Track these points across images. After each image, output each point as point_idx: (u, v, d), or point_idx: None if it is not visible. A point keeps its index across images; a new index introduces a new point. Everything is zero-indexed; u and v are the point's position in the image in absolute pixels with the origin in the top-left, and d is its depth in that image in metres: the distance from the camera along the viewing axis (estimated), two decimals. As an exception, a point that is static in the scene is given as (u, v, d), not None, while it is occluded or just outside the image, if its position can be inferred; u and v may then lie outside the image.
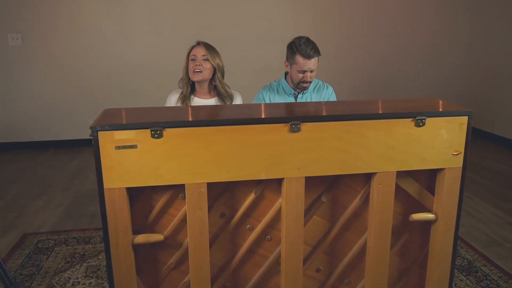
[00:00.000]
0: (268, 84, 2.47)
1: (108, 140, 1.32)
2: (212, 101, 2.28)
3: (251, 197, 1.52)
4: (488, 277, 2.20)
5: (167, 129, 1.34)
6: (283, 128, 1.40)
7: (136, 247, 1.50)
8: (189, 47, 2.25)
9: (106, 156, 1.33)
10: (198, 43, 2.23)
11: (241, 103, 2.34)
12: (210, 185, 1.47)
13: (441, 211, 1.58)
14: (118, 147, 1.33)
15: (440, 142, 1.50)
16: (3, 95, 4.58)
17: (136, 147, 1.34)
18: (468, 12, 5.10)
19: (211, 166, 1.40)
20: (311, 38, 2.33)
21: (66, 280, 2.21)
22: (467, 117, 1.50)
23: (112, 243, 1.41)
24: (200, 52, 2.19)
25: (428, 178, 1.62)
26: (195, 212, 1.42)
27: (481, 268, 2.28)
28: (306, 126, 1.41)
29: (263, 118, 1.43)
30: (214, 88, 2.27)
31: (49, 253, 2.48)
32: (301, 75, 2.30)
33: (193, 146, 1.37)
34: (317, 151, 1.44)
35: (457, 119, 1.49)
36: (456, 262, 2.31)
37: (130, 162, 1.35)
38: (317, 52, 2.30)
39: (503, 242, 2.57)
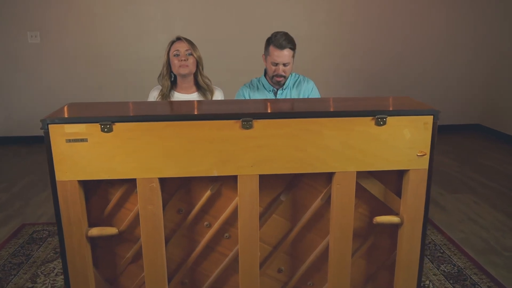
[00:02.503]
0: (249, 81, 2.45)
1: (58, 133, 1.34)
2: (194, 96, 2.28)
3: (207, 194, 1.50)
4: (476, 286, 2.10)
5: (117, 124, 1.35)
6: (234, 124, 1.38)
7: (95, 241, 1.52)
8: (169, 43, 2.25)
9: (57, 149, 1.35)
10: (179, 38, 2.23)
11: (222, 98, 2.33)
12: (165, 180, 1.47)
13: (406, 215, 1.51)
14: (69, 140, 1.35)
15: (403, 142, 1.44)
16: (22, 90, 4.76)
17: (87, 141, 1.36)
18: (480, 10, 4.88)
19: (162, 162, 1.39)
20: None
21: (51, 270, 2.27)
22: (432, 116, 1.43)
23: (66, 235, 1.43)
24: (183, 47, 2.19)
25: (397, 180, 1.56)
26: (147, 207, 1.43)
27: (471, 276, 2.18)
28: (259, 123, 1.38)
29: (214, 114, 1.41)
30: (196, 82, 2.27)
31: (41, 243, 2.56)
32: (274, 68, 2.27)
33: (143, 141, 1.37)
34: (271, 149, 1.41)
35: (421, 118, 1.43)
36: (445, 269, 2.23)
37: (80, 155, 1.36)
38: (290, 43, 2.25)
39: (502, 251, 2.44)
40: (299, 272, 1.61)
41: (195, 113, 1.44)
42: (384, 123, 1.41)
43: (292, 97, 2.37)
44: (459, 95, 5.13)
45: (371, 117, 1.41)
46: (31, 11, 4.58)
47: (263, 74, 2.43)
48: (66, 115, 1.39)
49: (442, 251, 2.43)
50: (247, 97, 2.38)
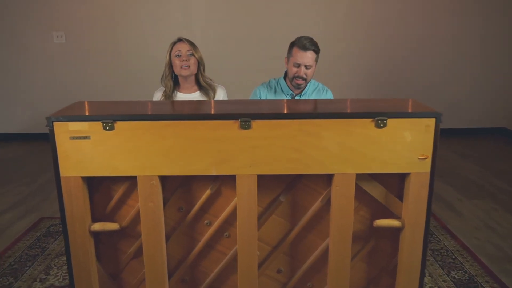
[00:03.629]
0: (267, 81, 2.45)
1: (62, 131, 1.39)
2: (196, 95, 2.31)
3: (207, 193, 1.52)
4: (486, 294, 2.04)
5: (118, 122, 1.39)
6: (233, 124, 1.39)
7: (99, 236, 1.57)
8: (170, 44, 2.29)
9: (61, 145, 1.40)
10: (180, 39, 2.27)
11: (225, 96, 2.35)
12: (166, 178, 1.50)
13: (408, 219, 1.49)
14: (73, 138, 1.40)
15: (404, 145, 1.42)
16: (48, 88, 4.91)
17: (90, 138, 1.40)
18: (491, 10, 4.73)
19: (162, 160, 1.42)
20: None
21: (64, 263, 2.34)
22: (434, 119, 1.40)
23: (70, 229, 1.48)
24: (184, 47, 2.23)
25: (399, 183, 1.53)
26: (147, 204, 1.46)
27: (482, 284, 2.12)
28: (257, 123, 1.39)
29: (212, 114, 1.43)
30: (197, 81, 2.29)
31: (56, 236, 2.64)
32: (295, 70, 2.27)
33: (144, 139, 1.40)
34: (269, 149, 1.41)
35: (422, 121, 1.40)
36: (455, 276, 2.18)
37: (84, 152, 1.41)
38: (314, 46, 2.25)
39: (518, 259, 2.37)
40: (299, 273, 1.61)
41: (195, 113, 1.46)
42: (384, 125, 1.40)
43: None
44: (484, 98, 4.99)
45: (370, 119, 1.39)
46: (57, 12, 4.73)
47: (282, 76, 2.43)
48: (72, 113, 1.43)
49: (454, 257, 2.37)
50: (263, 98, 2.38)
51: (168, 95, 2.29)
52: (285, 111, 1.47)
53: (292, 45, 2.31)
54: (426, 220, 1.49)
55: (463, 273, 2.22)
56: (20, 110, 5.00)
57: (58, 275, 2.23)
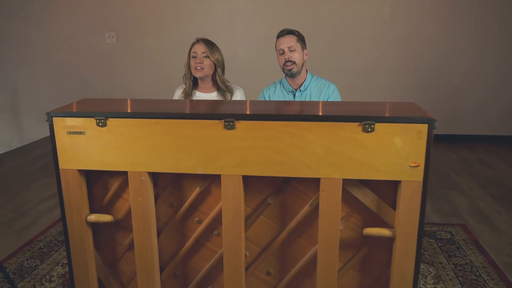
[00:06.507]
0: (273, 83, 2.47)
1: (61, 126, 1.48)
2: (214, 95, 2.34)
3: (196, 190, 1.55)
4: None
5: (110, 119, 1.45)
6: (218, 124, 1.40)
7: (97, 226, 1.65)
8: (190, 44, 2.34)
9: (60, 139, 1.49)
10: (198, 40, 2.31)
11: (242, 97, 2.36)
12: (158, 175, 1.55)
13: (399, 228, 1.42)
14: (70, 132, 1.48)
15: (394, 151, 1.35)
16: (101, 87, 5.21)
17: (84, 134, 1.48)
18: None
19: (151, 157, 1.46)
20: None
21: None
22: (427, 125, 1.32)
23: (68, 219, 1.57)
24: (200, 49, 2.26)
25: (393, 191, 1.46)
26: (137, 199, 1.51)
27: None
28: (241, 124, 1.39)
29: (198, 113, 1.45)
30: (215, 82, 2.33)
31: (85, 225, 2.81)
32: (282, 58, 2.30)
33: (134, 136, 1.45)
34: (254, 151, 1.41)
35: (414, 126, 1.33)
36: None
37: (79, 146, 1.49)
38: (292, 32, 2.32)
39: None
40: (288, 277, 1.59)
41: (181, 112, 1.49)
42: (372, 129, 1.34)
43: (312, 100, 2.32)
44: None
45: (357, 123, 1.34)
46: (109, 12, 5.00)
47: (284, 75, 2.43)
48: (74, 109, 1.52)
49: (478, 274, 2.21)
50: (267, 99, 2.39)
51: (187, 93, 2.36)
52: (271, 113, 1.46)
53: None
54: (419, 231, 1.41)
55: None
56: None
57: (78, 262, 2.37)
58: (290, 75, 2.33)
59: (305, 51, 2.37)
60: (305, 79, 2.38)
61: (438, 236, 2.63)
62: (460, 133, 4.84)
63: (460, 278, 2.18)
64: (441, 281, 2.16)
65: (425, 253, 2.44)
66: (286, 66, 2.30)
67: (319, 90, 2.34)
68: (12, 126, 5.44)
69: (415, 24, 4.59)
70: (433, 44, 4.63)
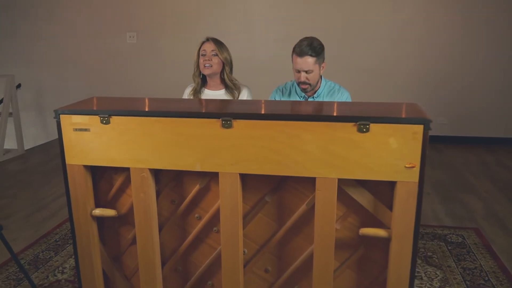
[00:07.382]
0: (284, 84, 2.45)
1: (67, 123, 1.54)
2: (222, 93, 2.38)
3: (196, 187, 1.59)
4: None
5: (113, 117, 1.50)
6: (215, 123, 1.44)
7: (103, 220, 1.71)
8: (199, 43, 2.37)
9: (66, 136, 1.55)
10: (207, 39, 2.34)
11: (249, 96, 2.39)
12: (160, 171, 1.59)
13: (395, 229, 1.42)
14: (76, 129, 1.54)
15: (389, 152, 1.35)
16: (122, 86, 5.34)
17: (89, 130, 1.53)
18: None
19: (151, 154, 1.51)
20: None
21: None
22: (422, 126, 1.32)
23: (74, 213, 1.63)
24: (209, 47, 2.30)
25: (390, 192, 1.46)
26: (139, 195, 1.56)
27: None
28: (238, 123, 1.42)
29: (196, 112, 1.48)
30: (223, 80, 2.36)
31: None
32: (297, 75, 2.23)
33: (135, 133, 1.50)
34: (250, 149, 1.43)
35: (409, 127, 1.32)
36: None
37: (85, 143, 1.55)
38: (312, 50, 2.17)
39: None
40: (285, 275, 1.60)
41: (181, 110, 1.53)
42: (367, 130, 1.34)
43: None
44: None
45: (353, 123, 1.35)
46: (130, 13, 5.12)
47: None
48: (81, 107, 1.59)
49: (487, 279, 2.17)
50: (278, 99, 2.39)
51: (196, 91, 2.40)
52: (268, 112, 1.48)
53: (292, 50, 2.26)
54: (415, 232, 1.41)
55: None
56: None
57: (90, 255, 2.45)
58: (303, 91, 2.32)
59: (323, 64, 2.27)
60: (319, 87, 2.35)
61: (449, 240, 2.59)
62: (481, 135, 4.73)
63: (467, 282, 2.14)
64: (447, 285, 2.13)
65: (433, 256, 2.40)
66: (301, 85, 2.27)
67: (332, 96, 2.30)
68: (37, 123, 5.64)
69: (431, 27, 4.52)
70: (448, 47, 4.55)
